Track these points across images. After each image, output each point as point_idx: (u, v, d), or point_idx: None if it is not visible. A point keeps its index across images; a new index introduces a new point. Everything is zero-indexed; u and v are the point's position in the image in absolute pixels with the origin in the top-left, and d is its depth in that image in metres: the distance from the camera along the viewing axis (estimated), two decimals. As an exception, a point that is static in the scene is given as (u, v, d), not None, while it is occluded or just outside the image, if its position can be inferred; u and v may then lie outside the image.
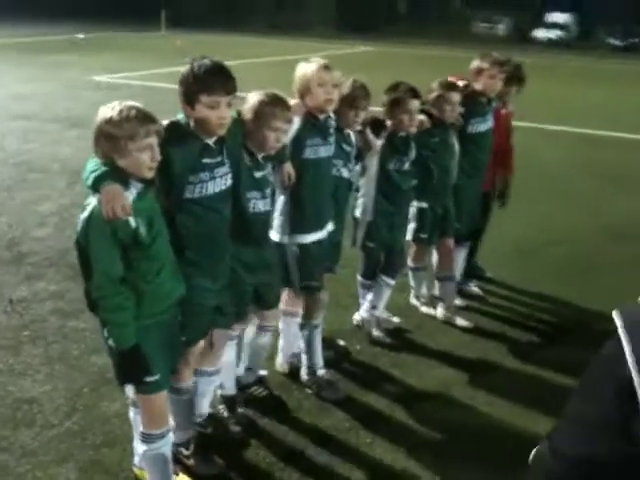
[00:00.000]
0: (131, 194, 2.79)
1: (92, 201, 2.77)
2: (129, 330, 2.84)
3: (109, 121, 2.76)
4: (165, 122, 3.05)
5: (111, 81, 17.41)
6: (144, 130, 2.77)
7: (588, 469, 1.26)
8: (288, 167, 3.76)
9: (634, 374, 1.14)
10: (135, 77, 17.97)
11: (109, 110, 2.79)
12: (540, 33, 38.88)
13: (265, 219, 3.69)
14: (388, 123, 4.57)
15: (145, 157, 2.79)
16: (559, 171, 10.11)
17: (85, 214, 2.77)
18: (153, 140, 2.81)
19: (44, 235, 6.64)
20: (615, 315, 1.20)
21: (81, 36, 30.92)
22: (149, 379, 2.96)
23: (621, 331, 1.18)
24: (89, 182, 2.78)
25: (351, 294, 5.28)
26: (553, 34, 38.49)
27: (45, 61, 21.04)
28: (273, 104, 3.48)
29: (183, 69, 3.18)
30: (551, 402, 4.14)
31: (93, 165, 2.81)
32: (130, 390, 2.98)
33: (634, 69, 25.86)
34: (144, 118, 2.79)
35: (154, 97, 13.91)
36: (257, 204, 3.56)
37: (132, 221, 2.77)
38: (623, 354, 1.16)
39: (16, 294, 5.41)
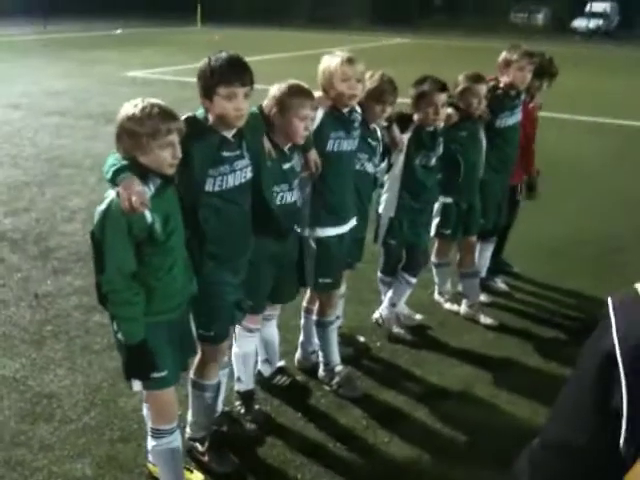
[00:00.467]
0: (149, 189, 2.80)
1: (110, 194, 2.78)
2: (137, 325, 2.84)
3: (131, 118, 2.77)
4: (183, 117, 3.05)
5: (146, 76, 17.58)
6: (166, 127, 2.78)
7: (565, 453, 1.22)
8: (314, 155, 3.74)
9: (616, 343, 1.14)
10: (170, 72, 18.11)
11: (131, 107, 2.80)
12: (580, 23, 38.20)
13: (293, 210, 3.66)
14: (415, 117, 4.51)
15: (166, 154, 2.80)
16: (596, 166, 9.89)
17: (102, 207, 2.78)
18: (174, 137, 2.81)
19: (72, 230, 6.72)
20: (608, 300, 1.23)
21: (119, 31, 31.32)
22: (156, 375, 2.95)
23: (610, 310, 1.20)
24: (108, 175, 2.79)
25: (373, 290, 5.23)
26: (593, 23, 37.78)
27: (80, 57, 21.33)
28: (298, 94, 3.48)
29: (200, 64, 3.17)
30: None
31: (113, 159, 2.83)
32: (137, 385, 2.97)
33: (677, 59, 25.27)
34: (166, 115, 2.80)
35: (188, 93, 14.11)
36: (285, 196, 3.56)
37: (148, 216, 2.77)
38: (609, 330, 1.17)
39: (42, 289, 5.47)
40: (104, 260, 2.78)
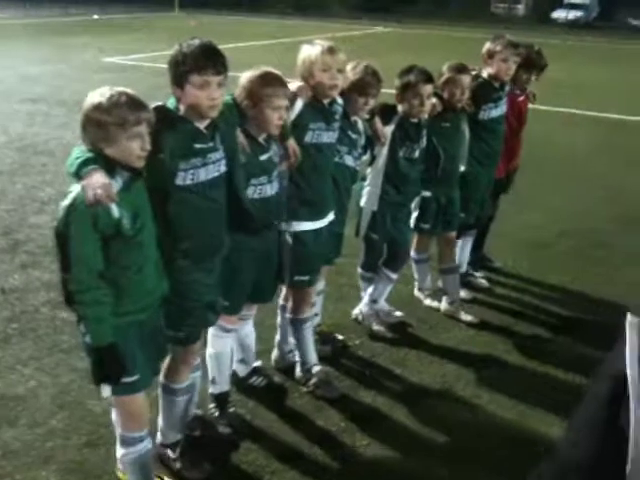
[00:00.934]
0: (117, 183, 2.65)
1: (75, 188, 2.62)
2: (106, 327, 2.69)
3: (98, 107, 2.61)
4: (152, 106, 2.89)
5: (122, 63, 17.27)
6: (134, 117, 2.63)
7: (575, 472, 1.21)
8: (292, 144, 3.59)
9: (628, 364, 1.12)
10: (146, 59, 17.78)
11: (98, 95, 2.65)
12: (559, 14, 38.23)
13: (275, 203, 3.52)
14: (399, 108, 4.37)
15: (135, 146, 2.65)
16: (576, 157, 9.84)
17: (66, 202, 2.62)
18: (143, 128, 2.66)
19: (42, 222, 6.51)
20: (627, 316, 1.17)
21: (95, 16, 30.85)
22: (127, 379, 2.81)
23: (627, 327, 1.16)
24: (72, 169, 2.63)
25: (353, 285, 5.12)
26: (572, 15, 37.82)
27: (57, 42, 20.95)
28: (270, 82, 3.32)
29: (172, 51, 3.01)
30: (558, 400, 3.99)
31: (78, 152, 2.67)
32: (106, 391, 2.82)
33: (656, 50, 25.36)
34: (134, 104, 2.65)
35: (163, 80, 13.75)
36: (264, 189, 3.42)
37: (115, 211, 2.62)
38: (623, 350, 1.14)
39: (9, 283, 5.29)
40: (70, 257, 2.63)
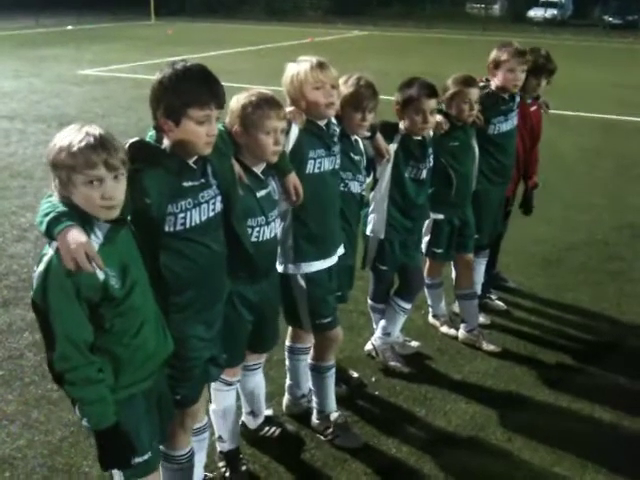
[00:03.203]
0: (97, 239, 2.26)
1: (48, 251, 2.23)
2: (104, 407, 2.30)
3: (64, 149, 2.21)
4: (129, 142, 2.51)
5: (99, 74, 16.80)
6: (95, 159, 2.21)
7: None
8: (293, 179, 3.22)
9: None
10: (124, 69, 17.32)
11: (67, 136, 2.24)
12: (535, 12, 38.31)
13: (272, 248, 3.19)
14: (401, 126, 4.03)
15: (94, 193, 2.22)
16: (574, 161, 9.60)
17: (40, 268, 2.23)
18: (102, 172, 2.22)
19: (23, 252, 6.10)
20: None
21: (69, 27, 30.29)
22: (138, 460, 2.44)
23: None
24: (42, 227, 2.24)
25: (364, 312, 4.78)
26: (548, 13, 37.90)
27: (30, 55, 20.39)
28: (261, 104, 2.96)
29: (158, 75, 2.62)
30: (599, 442, 3.68)
31: (47, 207, 2.27)
32: (118, 476, 2.43)
33: (635, 47, 25.34)
34: (96, 146, 2.21)
35: (145, 90, 13.36)
36: (262, 231, 3.06)
37: (99, 273, 2.23)
38: None
39: (-11, 324, 4.88)
40: (52, 333, 2.23)
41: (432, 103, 3.96)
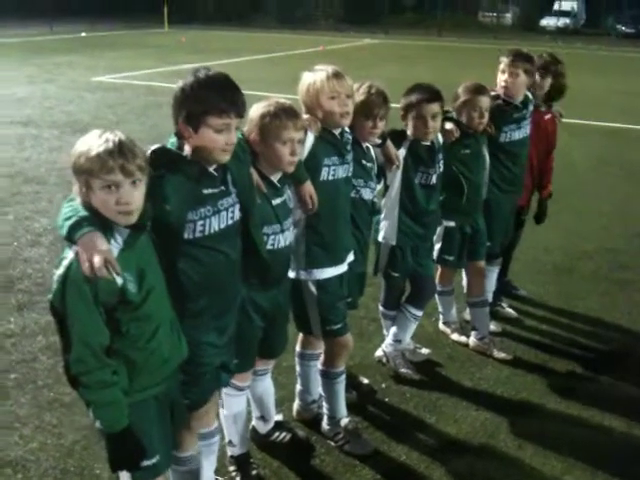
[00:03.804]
0: (117, 244, 2.29)
1: (68, 255, 2.26)
2: (118, 410, 2.34)
3: (83, 154, 2.25)
4: (151, 149, 2.54)
5: (113, 81, 16.91)
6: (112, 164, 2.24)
7: None
8: (309, 187, 3.25)
9: None
10: (138, 77, 17.46)
11: (88, 141, 2.28)
12: (548, 21, 38.36)
13: (286, 256, 3.22)
14: (408, 132, 4.06)
15: (109, 198, 2.26)
16: (584, 169, 9.59)
17: (60, 271, 2.26)
18: (119, 177, 2.25)
19: (37, 256, 6.16)
20: None
21: (83, 34, 30.53)
22: (147, 463, 2.46)
23: None
24: (63, 231, 2.27)
25: (374, 318, 4.79)
26: (561, 22, 37.93)
27: (44, 61, 20.55)
28: (279, 114, 3.00)
29: (180, 82, 2.66)
30: (610, 451, 3.67)
31: (69, 211, 2.31)
32: (125, 477, 2.46)
33: (649, 57, 25.31)
34: (113, 151, 2.24)
35: (159, 97, 13.54)
36: (277, 239, 3.09)
37: (118, 278, 2.26)
38: None
39: (4, 327, 4.91)
40: (69, 336, 2.27)
41: (433, 108, 3.96)
